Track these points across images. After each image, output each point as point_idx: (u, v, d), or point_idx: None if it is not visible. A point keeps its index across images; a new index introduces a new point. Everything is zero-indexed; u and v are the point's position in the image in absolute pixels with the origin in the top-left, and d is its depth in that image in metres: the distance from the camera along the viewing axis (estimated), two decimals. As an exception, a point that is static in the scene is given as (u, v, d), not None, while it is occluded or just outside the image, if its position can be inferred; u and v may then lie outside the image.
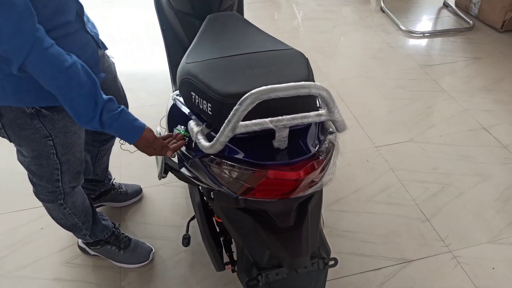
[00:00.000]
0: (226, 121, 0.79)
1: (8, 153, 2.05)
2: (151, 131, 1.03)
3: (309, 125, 0.94)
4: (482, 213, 1.74)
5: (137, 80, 2.62)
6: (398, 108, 2.33)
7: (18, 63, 0.85)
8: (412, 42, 3.00)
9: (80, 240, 1.59)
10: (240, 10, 1.94)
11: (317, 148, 0.89)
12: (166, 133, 1.20)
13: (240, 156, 0.88)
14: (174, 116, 1.13)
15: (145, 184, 1.88)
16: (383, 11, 3.39)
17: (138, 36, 3.11)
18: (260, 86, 0.89)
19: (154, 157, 1.41)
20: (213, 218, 1.35)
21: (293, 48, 1.09)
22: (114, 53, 2.78)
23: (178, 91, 1.20)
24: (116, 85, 1.39)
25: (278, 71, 0.96)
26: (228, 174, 0.89)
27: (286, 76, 0.93)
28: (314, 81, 0.95)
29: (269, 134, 0.89)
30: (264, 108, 0.82)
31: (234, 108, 0.77)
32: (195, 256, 1.59)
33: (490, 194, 1.82)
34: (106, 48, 1.25)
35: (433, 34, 3.09)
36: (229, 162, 0.88)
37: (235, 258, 1.32)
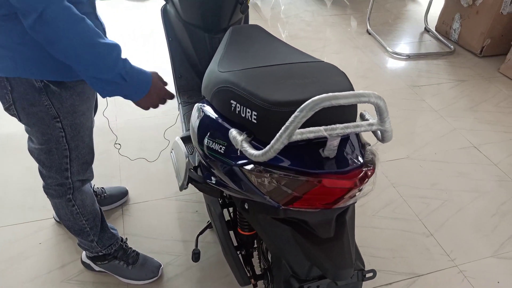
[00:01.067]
0: (283, 128, 0.78)
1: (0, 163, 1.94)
2: (156, 73, 1.09)
3: (348, 135, 0.95)
4: (482, 228, 1.79)
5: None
6: (392, 126, 2.40)
7: (36, 13, 0.83)
8: (399, 63, 3.12)
9: (84, 255, 1.52)
10: (246, 23, 1.97)
11: (364, 157, 0.89)
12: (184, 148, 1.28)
13: (287, 164, 0.87)
14: (205, 126, 1.10)
15: (149, 197, 1.83)
16: (369, 33, 3.52)
17: (135, 46, 3.07)
18: (306, 96, 0.90)
19: (173, 168, 1.38)
20: (230, 232, 1.32)
21: (323, 61, 1.11)
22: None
23: (204, 101, 1.18)
24: None
25: (320, 81, 0.96)
26: (275, 182, 0.88)
27: (330, 86, 0.94)
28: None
29: (313, 142, 0.89)
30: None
31: (294, 115, 0.76)
32: (205, 271, 1.54)
33: (487, 209, 1.88)
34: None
35: (417, 56, 3.23)
36: (277, 170, 0.87)
37: (256, 273, 1.30)
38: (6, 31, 0.93)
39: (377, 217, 1.82)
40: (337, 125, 0.81)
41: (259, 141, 0.93)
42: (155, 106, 1.14)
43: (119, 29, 3.30)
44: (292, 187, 0.86)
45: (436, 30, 3.59)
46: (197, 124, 1.15)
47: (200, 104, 1.21)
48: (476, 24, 3.18)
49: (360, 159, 0.88)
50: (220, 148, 1.02)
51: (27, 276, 1.48)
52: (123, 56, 0.99)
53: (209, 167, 1.15)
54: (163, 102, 1.15)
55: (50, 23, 0.85)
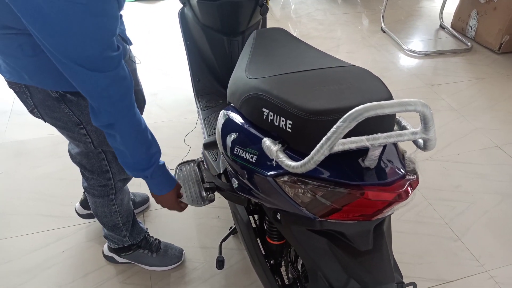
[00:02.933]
0: (324, 138, 0.75)
1: (12, 170, 1.93)
2: (179, 185, 1.22)
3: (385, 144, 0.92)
4: (509, 232, 1.74)
5: (147, 95, 2.54)
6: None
7: (107, 123, 0.96)
8: (415, 61, 3.07)
9: (106, 249, 1.54)
10: (264, 26, 1.93)
11: (405, 167, 0.86)
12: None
13: (326, 175, 0.84)
14: (233, 134, 1.07)
15: (168, 203, 1.80)
16: (384, 31, 3.47)
17: (148, 50, 3.05)
18: (344, 103, 0.87)
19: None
20: (257, 239, 1.29)
21: (354, 65, 1.07)
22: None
23: (229, 107, 1.15)
24: (136, 78, 1.36)
25: (355, 87, 0.93)
26: (312, 194, 0.85)
27: (368, 93, 0.90)
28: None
29: (351, 152, 0.85)
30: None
31: (336, 125, 0.73)
32: (230, 279, 1.52)
33: (514, 212, 1.84)
34: (131, 43, 1.26)
35: (434, 54, 3.17)
36: (315, 182, 0.84)
37: (286, 282, 1.27)
38: (18, 45, 0.92)
39: (401, 221, 1.78)
40: (380, 135, 0.78)
41: (293, 150, 0.90)
42: (173, 207, 1.24)
43: (135, 31, 3.28)
44: (331, 199, 0.83)
45: (451, 27, 3.53)
46: (222, 130, 1.12)
47: (225, 110, 1.18)
48: (494, 21, 3.12)
49: (402, 169, 0.85)
50: (251, 158, 0.99)
51: (51, 287, 1.47)
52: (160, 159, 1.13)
53: (236, 175, 1.13)
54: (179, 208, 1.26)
55: (123, 128, 0.98)
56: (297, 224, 0.97)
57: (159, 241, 1.56)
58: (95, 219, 1.61)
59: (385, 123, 0.88)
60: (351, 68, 1.04)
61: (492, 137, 2.29)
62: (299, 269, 1.16)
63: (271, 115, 0.93)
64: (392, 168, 0.84)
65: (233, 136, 1.07)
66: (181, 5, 1.86)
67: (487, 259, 1.63)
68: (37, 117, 1.13)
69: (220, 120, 1.18)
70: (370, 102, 0.86)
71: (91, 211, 1.54)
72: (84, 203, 1.68)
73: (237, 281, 1.51)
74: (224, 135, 1.13)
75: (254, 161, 0.98)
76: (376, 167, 0.84)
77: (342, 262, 0.91)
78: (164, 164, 1.14)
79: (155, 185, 1.15)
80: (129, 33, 1.26)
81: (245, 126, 1.03)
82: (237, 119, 1.08)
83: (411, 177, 0.84)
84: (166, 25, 3.40)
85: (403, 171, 0.84)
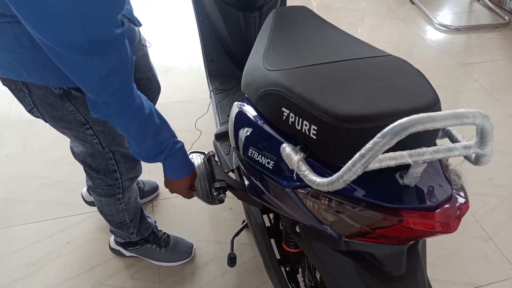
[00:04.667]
0: (357, 155, 0.61)
1: (21, 155, 1.85)
2: (195, 172, 1.12)
3: None
4: (547, 232, 1.60)
5: (158, 73, 2.41)
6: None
7: (111, 112, 0.84)
8: (447, 37, 2.83)
9: (112, 242, 1.47)
10: (283, 2, 1.76)
11: (451, 185, 0.72)
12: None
13: (356, 193, 0.71)
14: (245, 133, 0.94)
15: (178, 192, 1.71)
16: (413, 3, 3.21)
17: (160, 25, 2.89)
18: (382, 108, 0.72)
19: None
20: (271, 240, 1.19)
21: (391, 55, 0.92)
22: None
23: (244, 99, 1.02)
24: (148, 63, 1.24)
25: (395, 86, 0.78)
26: (338, 214, 0.73)
27: (411, 95, 0.75)
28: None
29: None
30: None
31: (373, 141, 0.59)
32: (242, 277, 1.43)
33: (554, 210, 1.68)
34: (140, 25, 1.11)
35: (467, 29, 2.92)
36: (343, 200, 0.72)
37: (303, 290, 1.17)
38: (13, 35, 0.78)
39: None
40: (425, 149, 0.64)
41: (316, 159, 0.77)
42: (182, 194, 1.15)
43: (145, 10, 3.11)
44: (361, 222, 0.71)
45: (488, -1, 3.24)
46: (235, 126, 0.99)
47: (239, 103, 1.04)
48: (537, -8, 2.83)
49: (448, 188, 0.71)
50: (268, 163, 0.86)
51: (55, 280, 1.41)
52: (178, 140, 1.04)
53: (249, 177, 1.01)
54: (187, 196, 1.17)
55: (122, 119, 0.87)
56: (319, 241, 0.86)
57: (168, 235, 1.48)
58: None
59: (430, 132, 0.73)
60: (388, 59, 0.89)
61: (530, 124, 2.10)
62: (317, 278, 1.06)
63: (292, 117, 0.79)
64: (436, 187, 0.70)
65: (247, 133, 0.94)
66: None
67: (521, 263, 1.50)
68: (37, 117, 1.01)
69: (233, 112, 1.05)
70: (414, 106, 0.72)
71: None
72: None
73: (250, 280, 1.42)
74: (236, 131, 1.00)
75: (271, 168, 0.85)
76: (416, 186, 0.71)
77: (370, 287, 0.79)
78: (182, 146, 1.03)
79: (170, 169, 1.05)
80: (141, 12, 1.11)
81: (262, 125, 0.90)
82: (252, 115, 0.94)
83: (459, 197, 0.71)
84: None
85: (449, 192, 0.70)
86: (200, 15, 1.74)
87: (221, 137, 1.37)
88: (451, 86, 2.36)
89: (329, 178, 0.66)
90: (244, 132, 0.95)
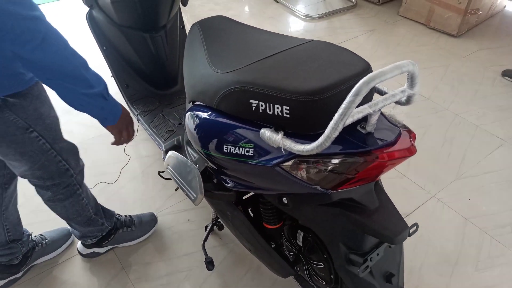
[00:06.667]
0: (337, 115, 0.77)
1: None
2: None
3: None
4: (439, 157, 2.01)
5: (59, 113, 2.29)
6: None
7: (39, 39, 0.86)
8: (314, 25, 3.24)
9: (81, 248, 1.50)
10: (181, 18, 1.86)
11: (395, 123, 0.93)
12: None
13: (335, 150, 0.87)
14: (214, 133, 1.03)
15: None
16: (277, 1, 3.57)
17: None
18: (336, 78, 0.89)
19: (178, 186, 1.29)
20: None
21: (313, 39, 1.11)
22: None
23: (195, 107, 1.11)
24: (49, 103, 1.24)
25: (334, 62, 0.96)
26: (326, 170, 0.88)
27: (351, 65, 0.93)
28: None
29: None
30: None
31: (347, 100, 0.76)
32: (224, 276, 1.50)
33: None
34: None
35: (327, 15, 3.38)
36: (327, 159, 0.87)
37: (291, 260, 1.30)
38: None
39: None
40: (378, 99, 0.84)
41: (290, 135, 0.91)
42: (126, 135, 1.22)
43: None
44: (346, 170, 0.87)
45: (333, -13, 3.77)
46: (198, 131, 1.08)
47: (192, 112, 1.13)
48: (370, -25, 3.41)
49: (396, 127, 0.92)
50: (247, 152, 0.98)
51: None
52: None
53: (223, 172, 1.10)
54: (130, 136, 1.24)
55: (50, 46, 0.89)
56: (307, 203, 1.00)
57: (130, 216, 1.60)
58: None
59: (369, 94, 0.93)
60: (314, 43, 1.07)
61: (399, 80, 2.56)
62: (300, 244, 1.20)
63: (262, 105, 0.92)
64: (387, 129, 0.91)
65: (217, 134, 1.03)
66: (87, 8, 1.69)
67: (431, 186, 1.86)
68: None
69: (190, 122, 1.13)
70: (358, 71, 0.92)
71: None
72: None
73: (232, 275, 1.50)
74: (202, 137, 1.09)
75: (252, 154, 0.97)
76: (374, 131, 0.90)
77: (358, 224, 0.96)
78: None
79: (114, 106, 1.10)
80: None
81: (230, 122, 1.01)
82: (216, 117, 1.04)
83: (405, 131, 0.92)
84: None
85: (398, 129, 0.91)
86: (103, 45, 1.74)
87: (175, 149, 1.42)
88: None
89: (317, 141, 0.81)
90: (213, 134, 1.05)
